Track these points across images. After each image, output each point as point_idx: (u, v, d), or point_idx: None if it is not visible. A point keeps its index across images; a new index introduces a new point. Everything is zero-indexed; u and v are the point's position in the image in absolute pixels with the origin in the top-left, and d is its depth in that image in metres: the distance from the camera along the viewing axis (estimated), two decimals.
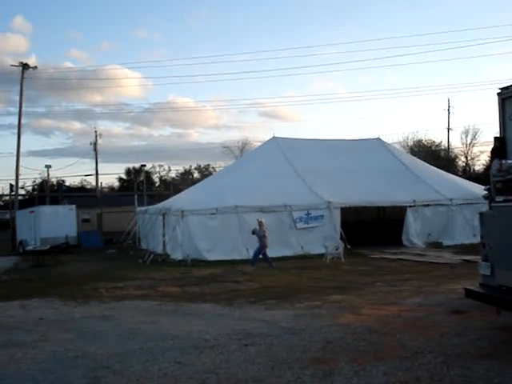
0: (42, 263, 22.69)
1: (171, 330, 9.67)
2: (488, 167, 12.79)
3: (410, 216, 24.19)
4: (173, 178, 66.71)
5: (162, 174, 71.40)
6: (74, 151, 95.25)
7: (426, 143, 56.83)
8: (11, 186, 39.33)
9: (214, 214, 22.01)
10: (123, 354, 8.09)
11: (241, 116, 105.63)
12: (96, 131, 58.58)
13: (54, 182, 60.76)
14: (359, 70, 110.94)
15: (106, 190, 63.05)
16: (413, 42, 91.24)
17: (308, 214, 22.72)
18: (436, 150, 56.35)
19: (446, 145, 56.73)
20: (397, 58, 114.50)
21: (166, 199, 31.56)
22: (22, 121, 40.39)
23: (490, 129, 74.98)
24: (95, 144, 56.82)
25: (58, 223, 30.23)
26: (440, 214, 24.60)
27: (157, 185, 69.05)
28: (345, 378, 6.70)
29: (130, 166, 69.27)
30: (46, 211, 32.08)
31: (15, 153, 38.77)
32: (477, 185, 25.78)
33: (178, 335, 9.21)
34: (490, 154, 9.91)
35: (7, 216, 39.14)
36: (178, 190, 38.91)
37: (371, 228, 27.93)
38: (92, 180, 59.57)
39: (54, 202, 40.38)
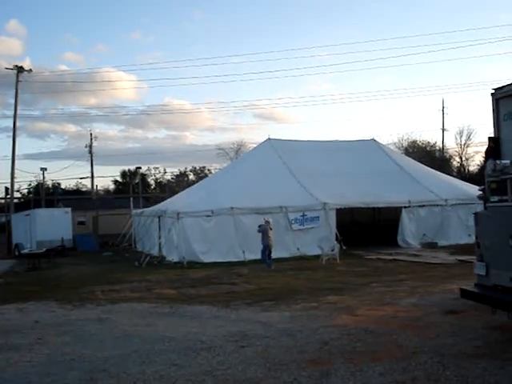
0: (37, 266, 22.65)
1: (167, 332, 9.67)
2: (482, 167, 12.82)
3: (405, 217, 24.25)
4: (168, 181, 66.57)
5: (157, 176, 71.29)
6: (69, 154, 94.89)
7: (420, 144, 57.05)
8: (6, 189, 39.21)
9: (209, 215, 22.01)
10: (119, 357, 8.09)
11: (236, 118, 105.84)
12: (91, 134, 58.71)
13: (50, 185, 60.50)
14: (354, 71, 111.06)
15: (102, 192, 62.76)
16: (407, 43, 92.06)
17: (304, 215, 22.76)
18: (431, 150, 56.49)
19: (441, 145, 56.95)
20: (391, 59, 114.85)
21: (162, 201, 31.58)
22: (18, 124, 40.57)
23: (484, 129, 75.30)
24: (90, 147, 56.83)
25: (53, 226, 30.15)
26: (435, 214, 24.67)
27: (152, 187, 68.94)
28: (341, 379, 6.72)
29: (126, 168, 69.07)
30: (42, 214, 32.00)
31: (10, 156, 38.84)
32: (471, 185, 25.83)
33: (175, 337, 9.21)
34: (484, 155, 9.94)
35: (3, 219, 38.97)
36: (173, 192, 38.89)
37: (367, 229, 28.01)
38: (87, 183, 59.74)
39: (50, 205, 40.24)
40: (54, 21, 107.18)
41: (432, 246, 23.52)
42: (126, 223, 29.74)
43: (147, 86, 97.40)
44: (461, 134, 56.57)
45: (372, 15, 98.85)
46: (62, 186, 62.75)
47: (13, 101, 40.02)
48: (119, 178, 69.00)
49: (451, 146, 60.43)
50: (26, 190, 60.46)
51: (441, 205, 24.76)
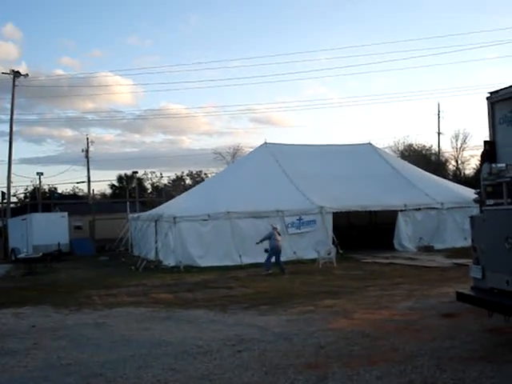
0: (34, 271, 22.57)
1: (164, 336, 9.66)
2: (478, 171, 12.86)
3: (401, 220, 24.27)
4: (165, 185, 66.42)
5: (154, 180, 71.17)
6: (65, 158, 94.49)
7: (416, 147, 57.16)
8: (3, 193, 39.12)
9: (206, 220, 21.99)
10: (116, 361, 8.07)
11: (233, 122, 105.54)
12: (88, 138, 58.43)
13: (46, 190, 60.35)
14: (350, 75, 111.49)
15: (98, 196, 62.64)
16: (403, 47, 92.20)
17: (300, 219, 22.77)
18: (427, 154, 56.59)
19: (437, 149, 57.03)
20: (387, 63, 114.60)
21: (159, 206, 31.54)
22: (14, 128, 40.39)
23: (479, 133, 75.58)
24: (87, 151, 56.67)
25: (50, 231, 30.04)
26: (431, 217, 24.70)
27: (149, 191, 68.80)
28: (338, 383, 6.72)
29: (122, 172, 68.96)
30: (38, 219, 31.90)
31: (7, 160, 38.80)
32: (467, 188, 25.94)
33: (171, 342, 9.20)
34: (480, 158, 9.99)
35: None
36: (170, 197, 38.84)
37: (363, 232, 28.05)
38: (84, 187, 59.37)
39: (46, 209, 40.14)
40: (50, 25, 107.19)
41: (428, 249, 23.56)
42: (122, 227, 29.68)
43: (144, 91, 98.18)
44: (456, 137, 56.77)
45: (369, 20, 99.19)
46: (59, 191, 62.68)
47: (9, 105, 40.00)
48: (116, 183, 68.94)
49: (447, 149, 60.58)
50: (22, 195, 60.36)
51: (437, 208, 24.78)
